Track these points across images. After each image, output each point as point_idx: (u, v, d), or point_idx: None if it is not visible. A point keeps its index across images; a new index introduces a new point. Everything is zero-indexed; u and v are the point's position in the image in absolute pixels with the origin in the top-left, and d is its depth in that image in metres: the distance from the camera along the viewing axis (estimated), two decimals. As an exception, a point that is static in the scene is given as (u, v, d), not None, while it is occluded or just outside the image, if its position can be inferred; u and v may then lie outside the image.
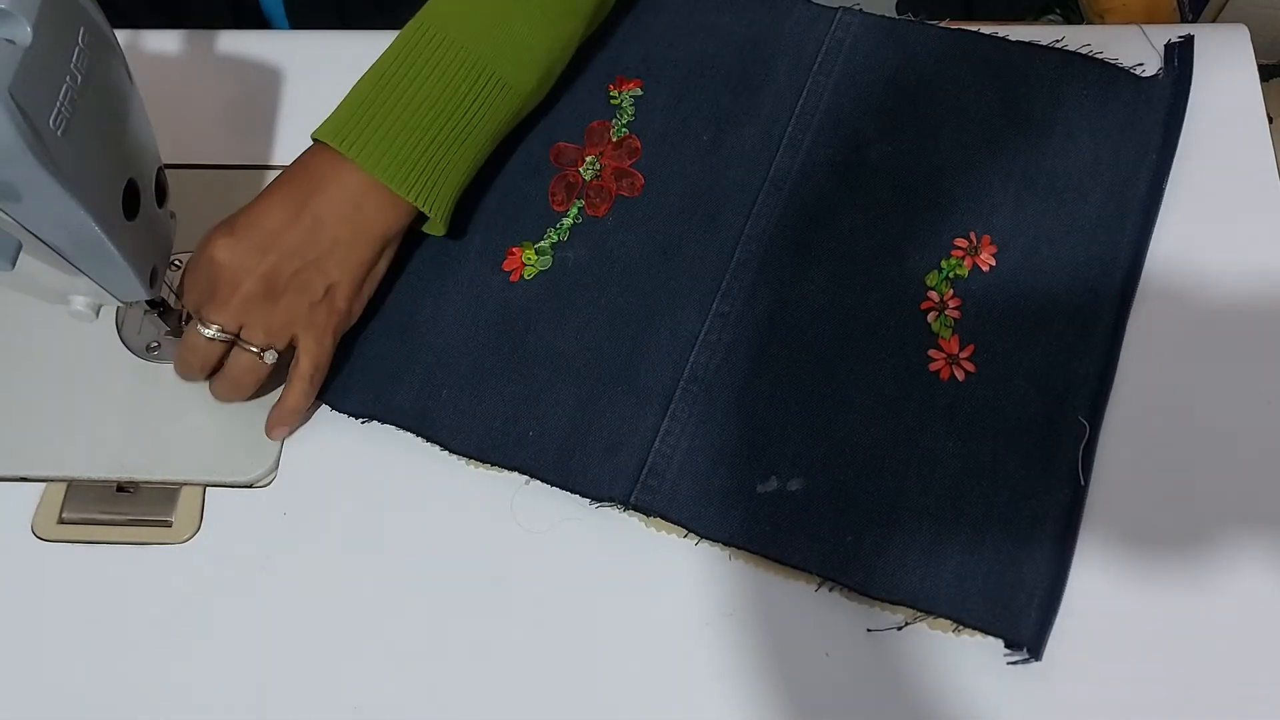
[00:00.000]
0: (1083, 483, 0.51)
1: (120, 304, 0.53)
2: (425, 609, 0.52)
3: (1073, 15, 0.96)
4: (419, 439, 0.55)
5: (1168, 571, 0.50)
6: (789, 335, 0.56)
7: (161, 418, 0.57)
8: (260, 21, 0.78)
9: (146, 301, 0.53)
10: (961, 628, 0.49)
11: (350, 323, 0.55)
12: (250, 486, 0.55)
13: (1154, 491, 0.52)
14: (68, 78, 0.42)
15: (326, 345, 0.54)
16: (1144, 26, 0.64)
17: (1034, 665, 0.48)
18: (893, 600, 0.49)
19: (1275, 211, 0.58)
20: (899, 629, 0.50)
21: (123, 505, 0.55)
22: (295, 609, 0.52)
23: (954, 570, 0.50)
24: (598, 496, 0.53)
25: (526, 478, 0.54)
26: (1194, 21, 0.73)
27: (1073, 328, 0.55)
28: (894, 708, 0.48)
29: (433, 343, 0.57)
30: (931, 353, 0.55)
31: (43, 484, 0.55)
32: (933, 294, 0.56)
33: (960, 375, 0.54)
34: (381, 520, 0.54)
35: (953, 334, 0.55)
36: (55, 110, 0.41)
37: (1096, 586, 0.50)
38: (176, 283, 0.56)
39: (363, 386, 0.56)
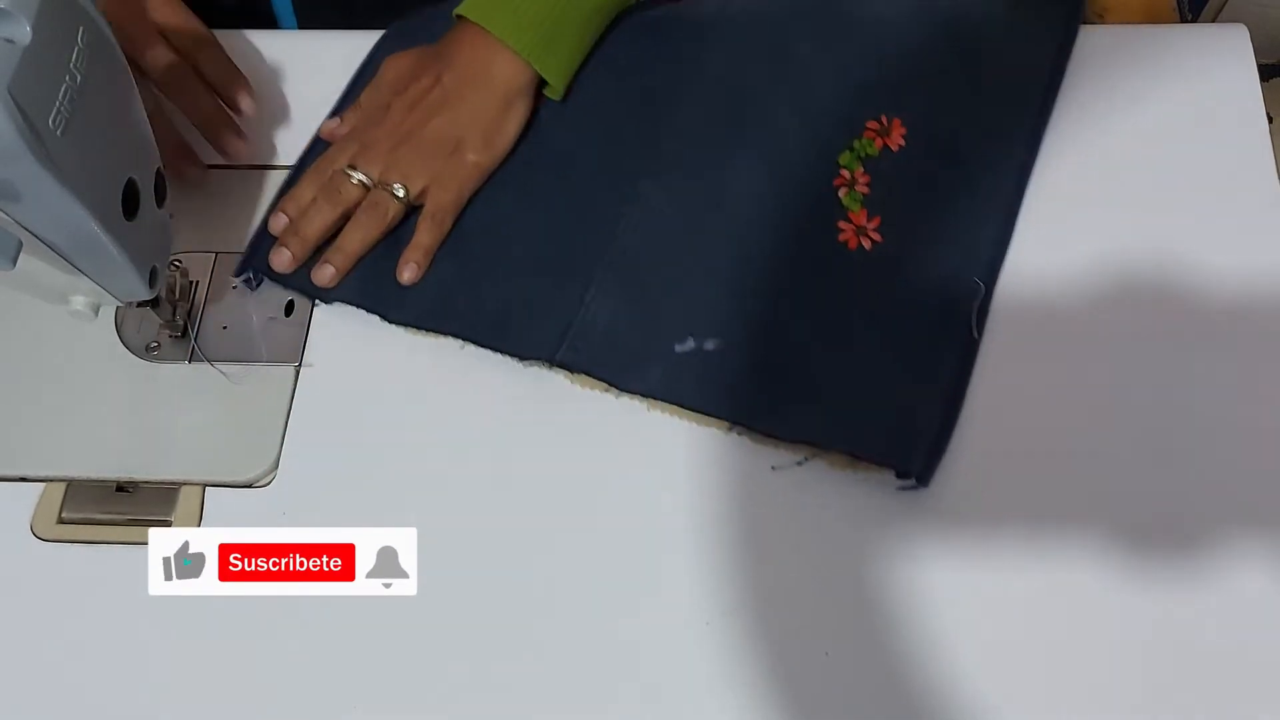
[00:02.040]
0: (976, 336, 0.55)
1: (120, 304, 0.53)
2: (424, 609, 0.52)
3: (1073, 15, 0.95)
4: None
5: (1167, 571, 0.50)
6: (711, 212, 0.59)
7: (161, 417, 0.57)
8: (269, 20, 0.78)
9: (146, 301, 0.53)
10: (858, 462, 0.52)
11: (481, 176, 0.61)
12: (250, 486, 0.55)
13: (1153, 491, 0.52)
14: (67, 77, 0.42)
15: (452, 194, 0.60)
16: (1144, 26, 0.64)
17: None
18: (795, 439, 0.53)
19: (1275, 211, 0.58)
20: (799, 464, 0.53)
21: (122, 505, 0.55)
22: (294, 609, 0.52)
23: (854, 414, 0.53)
24: (525, 356, 0.56)
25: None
26: (1194, 21, 0.73)
27: (973, 200, 0.59)
28: (894, 707, 0.48)
29: None
30: (841, 224, 0.58)
31: (42, 484, 0.55)
32: (845, 171, 0.60)
33: (867, 245, 0.58)
34: (380, 520, 0.54)
35: (861, 207, 0.59)
36: (55, 110, 0.41)
37: (1096, 586, 0.50)
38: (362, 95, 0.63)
39: (309, 261, 0.59)
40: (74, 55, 0.43)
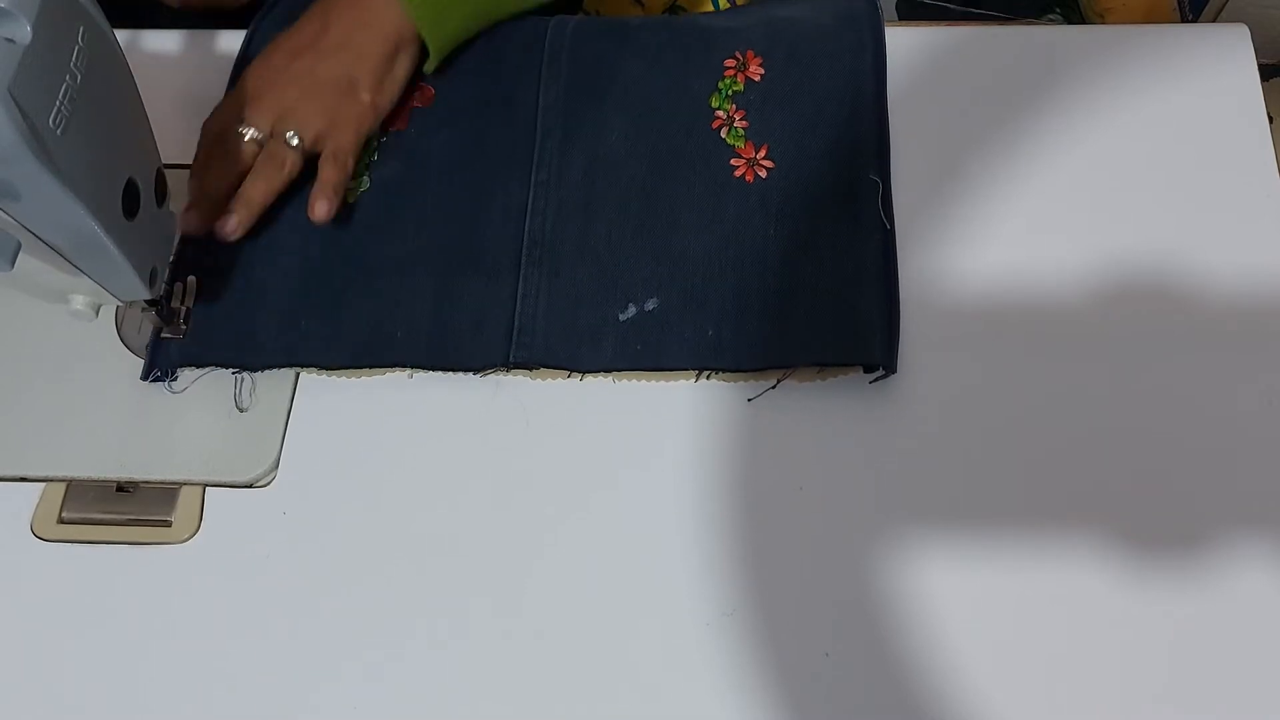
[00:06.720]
0: (889, 226, 0.58)
1: (120, 304, 0.53)
2: (425, 609, 0.52)
3: (1073, 15, 0.95)
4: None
5: (1167, 572, 0.50)
6: (607, 181, 0.61)
7: (161, 418, 0.57)
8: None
9: (146, 301, 0.53)
10: (825, 370, 0.55)
11: (377, 117, 0.60)
12: (250, 486, 0.55)
13: (1154, 491, 0.52)
14: (67, 77, 0.42)
15: (350, 135, 0.58)
16: (1144, 26, 0.64)
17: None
18: (761, 368, 0.55)
19: (1275, 211, 0.58)
20: (773, 387, 0.55)
21: (122, 505, 0.55)
22: (295, 609, 0.52)
23: (805, 329, 0.56)
24: (477, 368, 0.56)
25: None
26: (1194, 21, 0.73)
27: (841, 105, 0.62)
28: (894, 708, 0.49)
29: (277, 284, 0.59)
30: (733, 161, 0.61)
31: (42, 484, 0.55)
32: (719, 113, 0.62)
33: (762, 173, 0.60)
34: (381, 520, 0.54)
35: (746, 141, 0.61)
36: (55, 109, 0.41)
37: (1096, 585, 0.50)
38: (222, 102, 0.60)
39: (221, 340, 0.57)
40: (74, 55, 0.42)
